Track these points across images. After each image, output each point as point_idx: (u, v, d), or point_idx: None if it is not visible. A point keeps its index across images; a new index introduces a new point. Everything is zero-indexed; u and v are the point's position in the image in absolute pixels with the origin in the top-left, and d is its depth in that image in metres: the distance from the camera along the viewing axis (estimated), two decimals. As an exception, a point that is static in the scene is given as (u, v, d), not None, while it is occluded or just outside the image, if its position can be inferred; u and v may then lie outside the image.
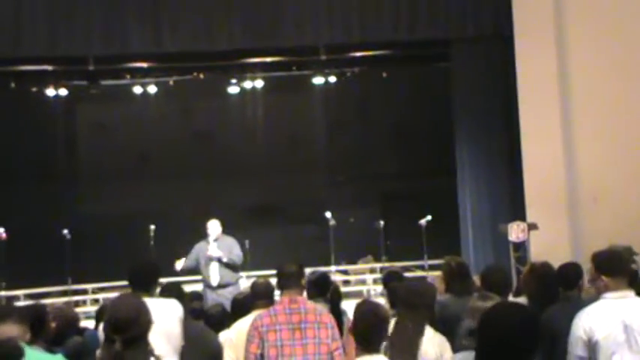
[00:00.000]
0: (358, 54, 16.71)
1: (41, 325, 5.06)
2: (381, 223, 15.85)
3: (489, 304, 4.45)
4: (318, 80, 17.07)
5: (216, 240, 11.37)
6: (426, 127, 16.97)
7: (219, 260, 11.24)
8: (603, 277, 4.80)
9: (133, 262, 5.81)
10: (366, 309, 4.48)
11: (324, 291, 7.03)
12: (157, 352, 4.04)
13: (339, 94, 17.36)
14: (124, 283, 10.91)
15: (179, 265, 11.26)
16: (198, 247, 11.45)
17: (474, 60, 14.89)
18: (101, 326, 5.32)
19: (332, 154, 17.57)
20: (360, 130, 17.51)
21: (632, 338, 4.68)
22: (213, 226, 11.43)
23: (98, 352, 5.06)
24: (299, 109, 18.01)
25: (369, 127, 17.50)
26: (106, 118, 17.28)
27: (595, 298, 4.98)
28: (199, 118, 17.16)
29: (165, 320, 5.15)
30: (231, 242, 11.41)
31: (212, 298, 10.59)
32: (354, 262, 17.15)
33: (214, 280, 11.18)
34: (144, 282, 5.49)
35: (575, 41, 12.99)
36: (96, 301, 15.08)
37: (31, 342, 4.56)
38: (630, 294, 4.84)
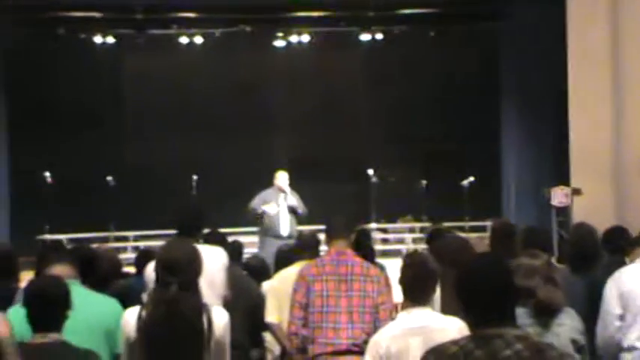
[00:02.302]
0: (406, 11, 16.56)
1: (90, 268, 5.09)
2: (423, 182, 15.79)
3: (537, 262, 4.42)
4: (365, 37, 16.96)
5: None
6: (472, 89, 16.79)
7: (294, 211, 11.23)
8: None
9: (179, 207, 5.80)
10: (415, 261, 4.44)
11: (359, 247, 7.02)
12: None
13: (385, 52, 17.21)
14: (165, 231, 11.07)
15: (270, 208, 11.17)
16: (266, 195, 11.39)
17: (525, 20, 14.68)
18: (148, 269, 5.38)
19: (376, 112, 17.45)
20: (404, 89, 17.36)
21: None
22: (285, 177, 11.42)
23: (144, 295, 5.12)
24: (344, 65, 17.90)
25: (413, 86, 17.35)
26: (151, 67, 17.30)
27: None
28: (244, 70, 17.10)
29: (210, 267, 5.17)
30: (296, 196, 11.43)
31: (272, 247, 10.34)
32: (393, 221, 17.14)
33: (284, 230, 11.17)
34: (190, 228, 5.44)
35: (629, 5, 12.72)
36: (136, 248, 15.22)
37: (81, 283, 4.61)
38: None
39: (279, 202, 11.25)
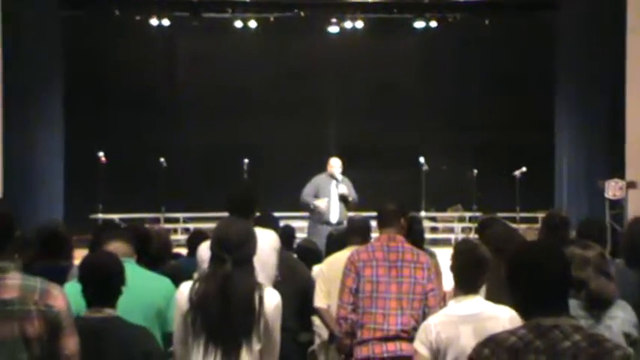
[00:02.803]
0: (462, -1, 16.48)
1: (144, 247, 5.13)
2: (474, 172, 15.69)
3: (589, 253, 4.35)
4: (419, 24, 16.87)
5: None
6: (525, 78, 16.64)
7: (345, 199, 11.23)
8: None
9: (232, 189, 5.82)
10: (466, 248, 4.41)
11: (408, 233, 6.98)
12: None
13: (439, 40, 17.12)
14: (216, 213, 11.14)
15: (322, 203, 11.20)
16: (318, 181, 11.38)
17: (581, 10, 14.47)
18: (200, 249, 5.43)
19: (428, 100, 17.37)
20: (458, 77, 17.26)
21: None
22: (338, 164, 11.40)
23: (195, 275, 5.17)
24: (398, 52, 17.84)
25: (467, 74, 17.24)
26: (205, 50, 17.41)
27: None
28: (298, 55, 17.14)
29: (262, 249, 5.19)
30: (348, 182, 11.42)
31: (320, 233, 10.30)
32: (443, 210, 17.08)
33: (334, 217, 11.16)
34: (243, 208, 5.42)
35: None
36: (186, 230, 15.38)
37: (136, 262, 4.67)
38: None
39: (331, 189, 11.25)
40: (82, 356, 3.42)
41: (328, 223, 11.00)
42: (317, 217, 11.26)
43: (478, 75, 17.20)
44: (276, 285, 5.53)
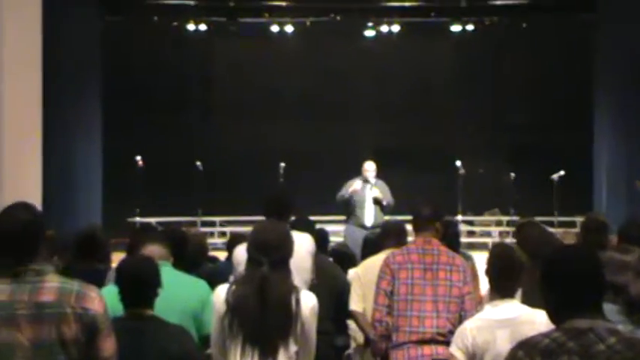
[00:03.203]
0: (499, 2, 16.40)
1: (181, 250, 5.17)
2: (512, 175, 15.59)
3: (628, 257, 4.30)
4: (456, 28, 16.83)
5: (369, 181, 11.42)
6: (563, 80, 16.52)
7: (379, 202, 11.24)
8: None
9: (268, 193, 5.86)
10: (501, 252, 4.39)
11: (444, 236, 6.93)
12: None
13: (476, 43, 17.06)
14: (252, 217, 11.17)
15: (357, 184, 11.23)
16: (352, 185, 11.41)
17: (619, 11, 14.32)
18: (236, 252, 5.44)
19: (465, 104, 17.30)
20: (495, 80, 17.19)
21: None
22: (372, 168, 11.42)
23: (231, 277, 5.18)
24: (434, 55, 17.79)
25: (504, 77, 17.16)
26: (242, 54, 17.49)
27: None
28: (334, 59, 17.16)
29: (298, 253, 5.19)
30: (383, 185, 11.42)
31: (357, 237, 10.28)
32: (480, 214, 16.98)
33: (369, 221, 11.17)
34: (279, 211, 5.46)
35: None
36: (223, 234, 15.44)
37: (173, 265, 4.70)
38: None
39: (365, 193, 11.25)
40: (121, 357, 3.43)
41: (364, 226, 11.01)
42: (351, 220, 11.27)
43: (515, 77, 17.11)
44: (312, 288, 5.54)
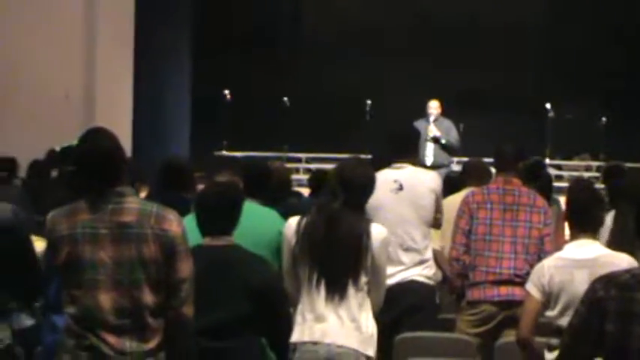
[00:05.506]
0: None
1: (261, 182, 5.09)
2: (603, 120, 15.23)
3: None
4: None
5: (435, 120, 11.35)
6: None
7: (437, 140, 11.19)
8: None
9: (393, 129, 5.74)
10: (581, 186, 4.31)
11: (536, 178, 6.83)
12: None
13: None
14: (337, 155, 11.19)
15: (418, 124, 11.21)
16: (416, 125, 11.37)
17: None
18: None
19: (556, 46, 16.87)
20: (588, 23, 16.68)
21: None
22: (434, 106, 11.37)
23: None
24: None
25: (596, 20, 16.63)
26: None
27: None
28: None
29: (416, 188, 5.14)
30: (449, 125, 11.35)
31: None
32: (569, 158, 16.66)
33: (428, 160, 11.16)
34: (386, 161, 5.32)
35: None
36: (308, 170, 15.49)
37: (252, 197, 4.65)
38: None
39: (424, 132, 11.20)
40: (205, 282, 3.51)
41: (424, 165, 10.96)
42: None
43: (608, 20, 16.58)
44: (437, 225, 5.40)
